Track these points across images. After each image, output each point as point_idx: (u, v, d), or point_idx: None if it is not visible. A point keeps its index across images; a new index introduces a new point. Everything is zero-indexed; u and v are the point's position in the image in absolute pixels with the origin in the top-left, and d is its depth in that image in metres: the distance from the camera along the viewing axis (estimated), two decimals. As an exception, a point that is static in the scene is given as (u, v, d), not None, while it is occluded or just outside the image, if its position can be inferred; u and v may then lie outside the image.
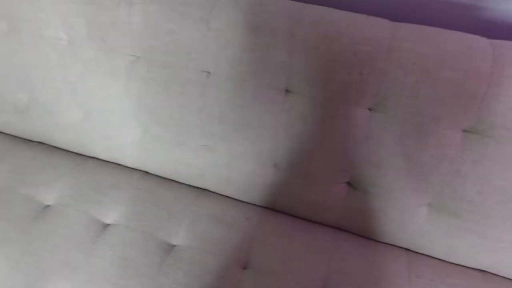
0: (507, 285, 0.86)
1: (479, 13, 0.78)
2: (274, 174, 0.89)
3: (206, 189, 1.01)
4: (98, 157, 1.07)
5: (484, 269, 0.88)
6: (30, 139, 1.11)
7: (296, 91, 0.79)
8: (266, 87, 0.79)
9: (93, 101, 0.95)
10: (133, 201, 0.96)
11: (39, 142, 1.11)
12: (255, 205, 0.98)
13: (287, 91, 0.80)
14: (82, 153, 1.08)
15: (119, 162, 1.05)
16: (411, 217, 0.84)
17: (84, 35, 0.87)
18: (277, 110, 0.81)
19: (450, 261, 0.89)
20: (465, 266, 0.89)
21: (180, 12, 0.80)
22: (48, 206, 0.95)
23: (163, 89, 0.86)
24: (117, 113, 0.94)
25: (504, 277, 0.87)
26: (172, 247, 0.88)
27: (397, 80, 0.72)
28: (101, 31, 0.85)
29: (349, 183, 0.86)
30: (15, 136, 1.12)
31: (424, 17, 0.81)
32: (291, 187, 0.90)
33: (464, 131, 0.73)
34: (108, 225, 0.92)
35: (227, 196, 0.99)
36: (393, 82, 0.72)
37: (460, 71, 0.68)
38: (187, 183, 1.01)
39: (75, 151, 1.08)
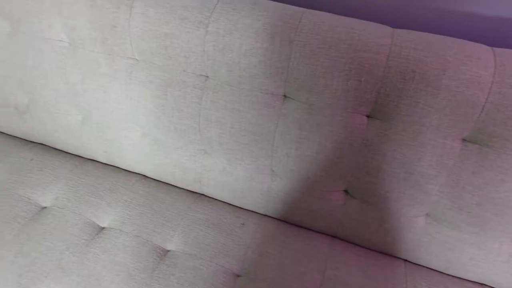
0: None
1: (482, 21, 0.76)
2: (271, 181, 0.87)
3: (202, 194, 0.99)
4: (97, 160, 1.05)
5: (483, 283, 0.85)
6: (30, 140, 1.10)
7: (293, 97, 0.77)
8: (264, 92, 0.78)
9: (92, 103, 0.93)
10: (129, 204, 0.94)
11: (39, 144, 1.09)
12: (251, 211, 0.95)
13: (284, 96, 0.78)
14: (81, 155, 1.06)
15: (117, 165, 1.03)
16: (408, 228, 0.82)
17: (85, 38, 0.86)
18: (274, 116, 0.79)
19: (448, 273, 0.87)
20: (464, 279, 0.86)
21: (179, 16, 0.78)
22: (45, 208, 0.93)
23: (162, 93, 0.85)
24: (116, 115, 0.93)
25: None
26: (166, 252, 0.86)
27: (396, 88, 0.69)
28: (102, 34, 0.84)
29: (346, 191, 0.84)
30: (15, 137, 1.11)
31: (426, 23, 0.78)
32: (288, 194, 0.87)
33: (464, 140, 0.71)
34: (103, 228, 0.90)
35: (223, 202, 0.97)
36: (392, 89, 0.70)
37: (461, 79, 0.66)
38: (184, 187, 0.99)
39: (74, 153, 1.06)
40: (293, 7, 0.76)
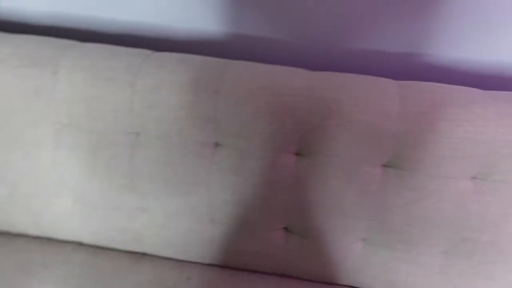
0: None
1: (388, 57, 0.82)
2: (212, 229, 0.82)
3: (144, 253, 0.90)
4: (27, 234, 0.92)
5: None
6: None
7: (224, 144, 0.75)
8: (195, 142, 0.75)
9: (18, 174, 0.84)
10: (64, 278, 0.82)
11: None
12: (196, 262, 0.88)
13: (216, 144, 0.76)
14: (9, 231, 0.93)
15: (50, 236, 0.92)
16: (347, 255, 0.81)
17: (8, 107, 0.78)
18: (208, 165, 0.76)
19: (391, 293, 0.85)
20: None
21: (106, 77, 0.75)
22: (-35, 298, 0.78)
23: (92, 155, 0.79)
24: (45, 184, 0.84)
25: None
26: (108, 322, 0.75)
27: (318, 126, 0.71)
28: (26, 101, 0.78)
29: (286, 229, 0.82)
30: None
31: (341, 63, 0.82)
32: (230, 239, 0.83)
33: (383, 166, 0.73)
34: (33, 311, 0.77)
35: (167, 258, 0.89)
36: (314, 127, 0.71)
37: (372, 112, 0.69)
38: (124, 249, 0.90)
39: (1, 229, 0.93)
40: (218, 59, 0.77)
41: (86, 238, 0.89)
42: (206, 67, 0.74)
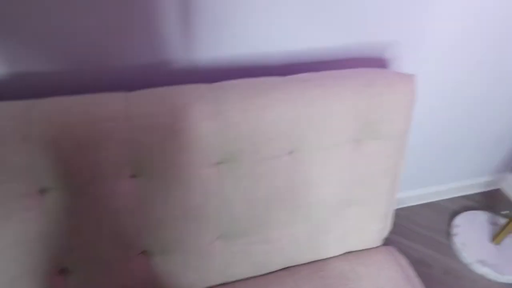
0: (306, 268, 0.95)
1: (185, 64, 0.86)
2: (66, 280, 0.75)
3: None
4: None
5: (286, 266, 0.94)
6: None
7: (52, 188, 0.69)
8: (15, 197, 0.67)
9: None
10: None
11: None
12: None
13: (42, 191, 0.69)
14: None
15: None
16: (212, 255, 0.85)
17: None
18: (39, 215, 0.69)
19: (261, 274, 0.93)
20: (272, 272, 0.93)
21: None
22: None
23: None
24: None
25: (302, 264, 0.96)
26: None
27: (144, 144, 0.70)
28: None
29: (144, 252, 0.80)
30: None
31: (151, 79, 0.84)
32: (90, 283, 0.77)
33: (217, 164, 0.77)
34: None
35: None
36: (141, 146, 0.70)
37: (190, 118, 0.71)
38: None
39: None
40: (18, 102, 0.68)
41: None
42: (8, 113, 0.66)
